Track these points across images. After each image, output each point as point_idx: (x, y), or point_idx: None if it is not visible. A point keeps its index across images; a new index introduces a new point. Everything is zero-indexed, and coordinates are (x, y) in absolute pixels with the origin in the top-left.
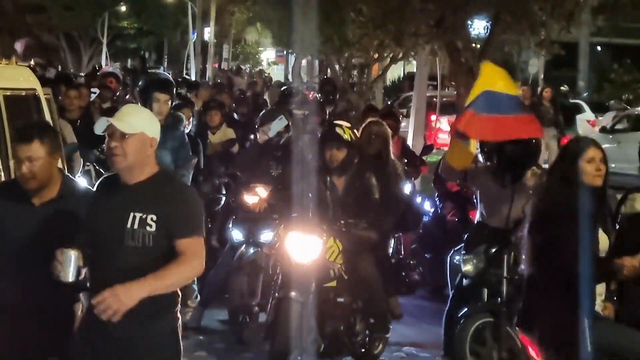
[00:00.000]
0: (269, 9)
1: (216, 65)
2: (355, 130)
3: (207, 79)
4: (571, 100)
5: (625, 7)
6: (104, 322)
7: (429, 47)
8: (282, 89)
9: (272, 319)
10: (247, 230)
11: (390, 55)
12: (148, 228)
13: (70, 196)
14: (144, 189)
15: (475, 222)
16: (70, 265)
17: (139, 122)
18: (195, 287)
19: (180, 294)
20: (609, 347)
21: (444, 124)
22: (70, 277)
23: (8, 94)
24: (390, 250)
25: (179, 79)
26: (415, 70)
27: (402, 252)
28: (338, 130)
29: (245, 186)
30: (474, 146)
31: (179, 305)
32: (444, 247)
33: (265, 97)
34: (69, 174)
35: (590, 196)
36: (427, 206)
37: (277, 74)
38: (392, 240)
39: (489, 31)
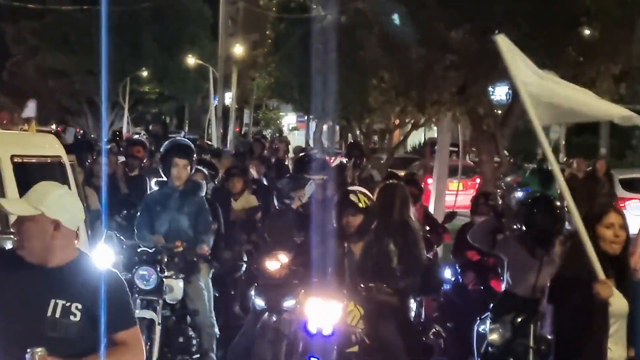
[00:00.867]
0: (290, 75)
1: (237, 130)
2: (370, 195)
3: (228, 143)
4: None
5: None
6: None
7: (451, 113)
8: (301, 155)
9: None
10: (269, 297)
11: (412, 121)
12: (72, 318)
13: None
14: (65, 275)
15: (502, 290)
16: None
17: (39, 202)
18: (213, 355)
19: None
20: None
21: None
22: None
23: (34, 161)
24: (412, 314)
25: (204, 144)
26: (436, 135)
27: (424, 316)
28: (352, 197)
29: (267, 253)
30: None
31: None
32: (466, 316)
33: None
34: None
35: (608, 263)
36: (448, 274)
37: (298, 139)
38: (414, 304)
39: (510, 98)
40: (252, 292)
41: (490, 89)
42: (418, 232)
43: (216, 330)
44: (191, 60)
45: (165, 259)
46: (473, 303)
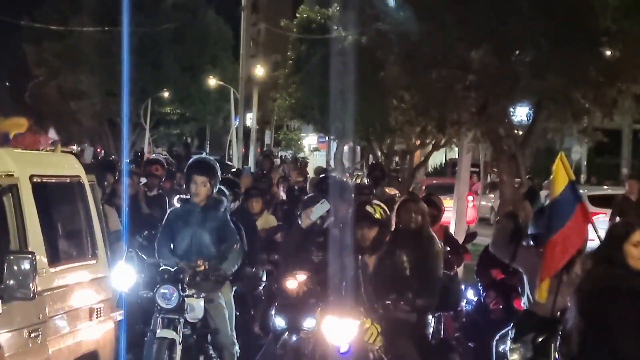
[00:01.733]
0: (310, 96)
1: (259, 151)
2: (386, 209)
3: (249, 164)
4: None
5: None
6: None
7: (471, 134)
8: (321, 175)
9: None
10: (289, 317)
11: (433, 141)
12: None
13: None
14: None
15: (523, 310)
16: None
17: None
18: None
19: None
20: None
21: None
22: None
23: (53, 181)
24: (431, 330)
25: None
26: (457, 156)
27: (443, 333)
28: (368, 208)
29: (286, 272)
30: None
31: None
32: (488, 336)
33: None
34: None
35: (637, 279)
36: (470, 294)
37: (319, 160)
38: (432, 320)
39: (531, 118)
40: (272, 312)
41: (510, 109)
42: (436, 245)
43: (237, 349)
44: (212, 82)
45: (187, 278)
46: (495, 323)
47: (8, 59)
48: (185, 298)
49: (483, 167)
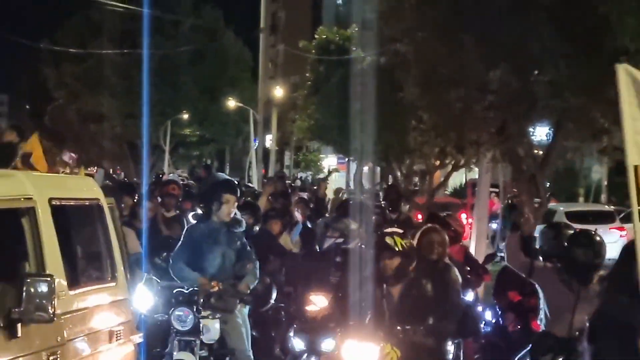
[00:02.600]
0: (329, 117)
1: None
2: (406, 236)
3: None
4: None
5: None
6: None
7: (490, 154)
8: (344, 197)
9: None
10: (308, 340)
11: (452, 162)
12: None
13: None
14: None
15: (540, 330)
16: None
17: None
18: None
19: None
20: None
21: None
22: None
23: (72, 203)
24: (450, 357)
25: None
26: (477, 177)
27: (462, 359)
28: (388, 239)
29: (304, 294)
30: None
31: None
32: (507, 357)
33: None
34: None
35: None
36: (489, 316)
37: (338, 181)
38: (452, 347)
39: (551, 138)
40: (291, 334)
41: (530, 129)
42: (456, 276)
43: None
44: (231, 103)
45: (202, 300)
46: (513, 344)
47: (28, 82)
48: (201, 319)
49: (502, 187)
